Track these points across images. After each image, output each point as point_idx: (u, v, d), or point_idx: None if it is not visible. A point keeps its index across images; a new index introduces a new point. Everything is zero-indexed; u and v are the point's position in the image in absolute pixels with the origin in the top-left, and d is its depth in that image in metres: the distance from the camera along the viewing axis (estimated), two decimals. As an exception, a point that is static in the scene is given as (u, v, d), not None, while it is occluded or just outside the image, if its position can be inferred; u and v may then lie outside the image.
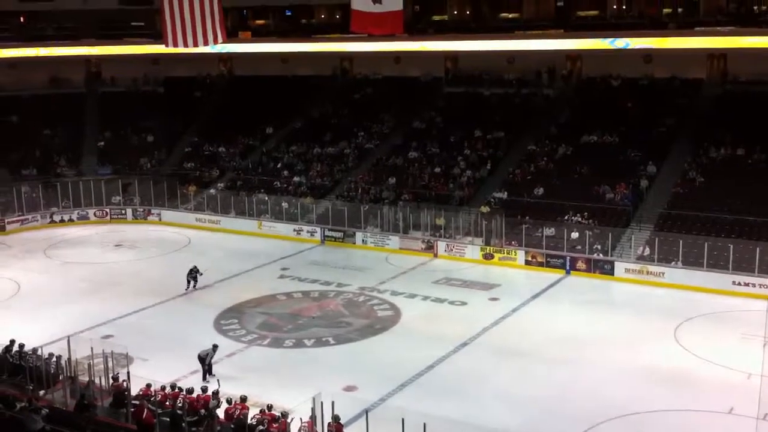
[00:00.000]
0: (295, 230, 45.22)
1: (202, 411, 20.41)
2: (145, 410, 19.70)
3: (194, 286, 34.78)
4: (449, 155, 47.98)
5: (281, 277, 37.54)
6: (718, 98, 45.90)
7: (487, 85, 52.92)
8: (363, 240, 43.21)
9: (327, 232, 44.36)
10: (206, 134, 57.05)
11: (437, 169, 46.96)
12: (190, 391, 20.98)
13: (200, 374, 25.07)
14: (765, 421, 21.72)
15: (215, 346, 26.10)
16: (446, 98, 53.73)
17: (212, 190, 50.09)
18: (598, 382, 25.05)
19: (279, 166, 51.54)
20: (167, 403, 20.75)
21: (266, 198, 47.47)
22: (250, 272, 38.12)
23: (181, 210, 49.39)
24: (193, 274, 34.74)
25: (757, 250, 33.41)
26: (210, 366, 25.46)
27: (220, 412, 20.62)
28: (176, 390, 21.12)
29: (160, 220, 49.34)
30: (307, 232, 44.90)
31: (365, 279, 36.83)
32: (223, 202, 48.22)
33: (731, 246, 34.16)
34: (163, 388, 21.12)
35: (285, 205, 46.62)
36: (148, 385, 21.21)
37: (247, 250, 42.52)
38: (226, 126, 56.24)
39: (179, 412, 20.11)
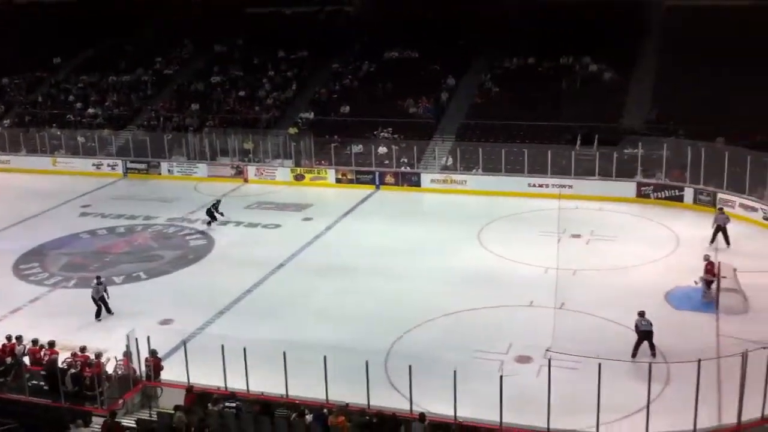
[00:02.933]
0: (94, 165, 43.01)
1: (9, 359, 19.33)
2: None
3: (210, 222, 33.24)
4: (253, 78, 47.03)
5: (83, 215, 35.75)
6: (511, 10, 47.46)
7: (288, 3, 51.89)
8: (169, 170, 41.86)
9: (129, 165, 42.55)
10: (-15, 67, 52.42)
11: (242, 93, 45.95)
12: (-9, 341, 19.75)
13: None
14: (561, 310, 23.53)
15: (98, 278, 25.02)
16: (248, 20, 52.26)
17: (-2, 128, 46.41)
18: (413, 289, 26.03)
19: (71, 98, 48.38)
20: (-34, 356, 19.46)
21: (59, 132, 44.62)
22: (48, 212, 35.96)
23: (-36, 151, 45.50)
24: (215, 207, 33.33)
25: (549, 153, 35.63)
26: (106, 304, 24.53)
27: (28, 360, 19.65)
28: (-25, 342, 19.82)
29: (-60, 163, 45.29)
30: (108, 165, 42.85)
31: (174, 210, 35.83)
32: (11, 140, 44.86)
33: (526, 151, 36.21)
34: (-42, 341, 19.75)
35: (81, 139, 44.08)
36: (-58, 341, 19.74)
37: (43, 189, 39.96)
38: (8, 58, 51.80)
39: (-19, 364, 18.95)
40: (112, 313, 24.45)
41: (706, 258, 24.53)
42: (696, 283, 24.24)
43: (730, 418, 17.34)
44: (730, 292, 23.66)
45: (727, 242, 28.36)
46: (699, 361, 16.83)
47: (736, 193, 31.65)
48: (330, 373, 17.97)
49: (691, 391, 16.91)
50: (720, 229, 28.35)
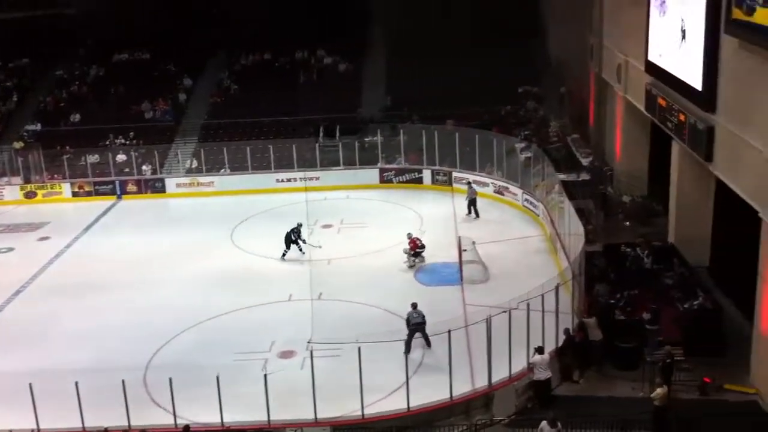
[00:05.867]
0: None
1: None
2: None
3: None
4: (-35, 90, 42.99)
5: None
6: (239, 7, 47.15)
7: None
8: None
9: None
10: None
11: (-48, 108, 41.85)
12: None
13: None
14: (319, 301, 23.91)
15: None
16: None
17: None
18: (168, 298, 25.17)
19: None
20: None
21: None
22: None
23: None
24: (296, 233, 27.60)
25: (294, 147, 35.98)
26: None
27: None
28: None
29: None
30: None
31: None
32: None
33: (271, 147, 36.31)
34: None
35: None
36: None
37: None
38: None
39: None
40: None
41: (409, 236, 26.61)
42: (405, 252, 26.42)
43: (482, 382, 18.63)
44: (472, 263, 25.37)
45: (477, 214, 30.69)
46: (449, 332, 17.92)
47: (469, 170, 33.91)
48: (86, 399, 17.01)
49: (446, 361, 17.97)
50: (472, 202, 30.76)
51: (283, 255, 27.53)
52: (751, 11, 17.19)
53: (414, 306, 20.77)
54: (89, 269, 28.14)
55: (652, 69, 25.72)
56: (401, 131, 35.97)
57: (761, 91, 17.95)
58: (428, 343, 20.48)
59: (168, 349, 21.83)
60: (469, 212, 30.86)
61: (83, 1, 48.12)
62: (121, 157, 37.30)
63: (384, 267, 26.40)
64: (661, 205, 27.92)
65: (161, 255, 28.96)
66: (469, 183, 32.03)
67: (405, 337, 20.24)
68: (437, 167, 35.06)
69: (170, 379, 16.76)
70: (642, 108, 27.63)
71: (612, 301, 20.90)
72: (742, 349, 18.85)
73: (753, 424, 16.89)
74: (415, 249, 26.38)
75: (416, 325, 20.41)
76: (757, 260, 17.96)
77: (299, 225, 27.81)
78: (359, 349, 17.23)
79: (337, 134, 37.21)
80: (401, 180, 35.76)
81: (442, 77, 38.61)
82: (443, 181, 34.78)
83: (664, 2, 24.23)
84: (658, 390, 16.80)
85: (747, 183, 18.84)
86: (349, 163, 36.14)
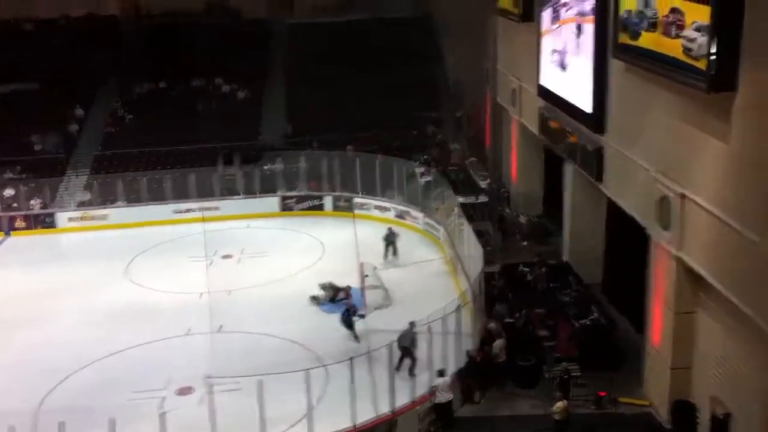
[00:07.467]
0: None
1: None
2: None
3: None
4: None
5: None
6: (135, 34, 46.37)
7: None
8: None
9: None
10: None
11: None
12: None
13: None
14: (219, 333, 23.36)
15: None
16: None
17: None
18: (62, 336, 24.11)
19: None
20: None
21: None
22: None
23: None
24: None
25: (192, 177, 35.24)
26: None
27: None
28: None
29: None
30: None
31: None
32: None
33: (168, 177, 35.43)
34: None
35: None
36: None
37: None
38: None
39: None
40: None
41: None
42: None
43: (385, 407, 18.50)
44: (374, 288, 25.33)
45: (395, 253, 28.96)
46: (351, 359, 17.78)
47: (370, 196, 33.97)
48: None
49: (348, 389, 17.80)
50: (389, 242, 29.05)
51: (355, 337, 22.77)
52: (636, 36, 17.93)
53: (411, 324, 19.85)
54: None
55: (544, 93, 26.48)
56: (302, 158, 35.74)
57: (647, 112, 18.70)
58: (410, 370, 19.70)
59: (60, 390, 20.89)
60: (387, 253, 28.91)
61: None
62: (8, 192, 35.69)
63: (286, 296, 26.03)
64: (555, 225, 28.66)
65: (52, 292, 27.70)
66: (389, 228, 30.03)
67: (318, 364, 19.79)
68: (338, 193, 34.98)
69: (60, 424, 16.00)
70: (536, 131, 28.38)
71: (511, 320, 21.21)
72: (635, 362, 19.42)
73: (647, 435, 17.40)
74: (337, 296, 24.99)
75: (402, 348, 19.64)
76: (647, 276, 18.56)
77: (352, 308, 23.67)
78: (260, 381, 16.87)
79: (237, 163, 36.65)
80: (302, 207, 35.44)
81: (342, 103, 38.76)
82: (344, 207, 34.69)
83: (559, 52, 24.90)
84: (558, 403, 17.10)
85: (635, 201, 19.51)
86: (250, 192, 35.63)
